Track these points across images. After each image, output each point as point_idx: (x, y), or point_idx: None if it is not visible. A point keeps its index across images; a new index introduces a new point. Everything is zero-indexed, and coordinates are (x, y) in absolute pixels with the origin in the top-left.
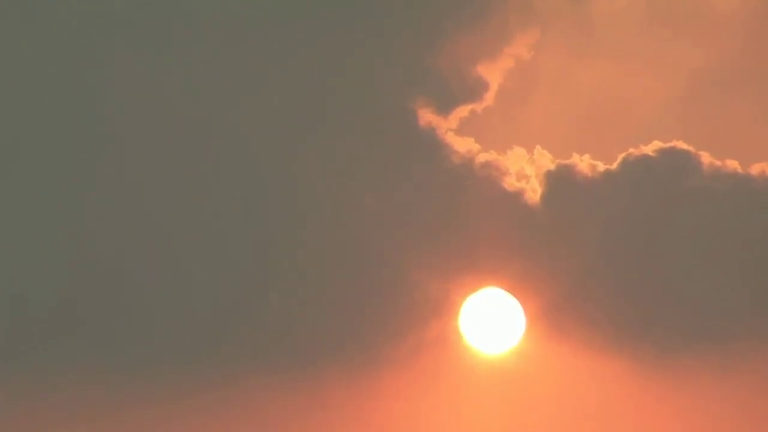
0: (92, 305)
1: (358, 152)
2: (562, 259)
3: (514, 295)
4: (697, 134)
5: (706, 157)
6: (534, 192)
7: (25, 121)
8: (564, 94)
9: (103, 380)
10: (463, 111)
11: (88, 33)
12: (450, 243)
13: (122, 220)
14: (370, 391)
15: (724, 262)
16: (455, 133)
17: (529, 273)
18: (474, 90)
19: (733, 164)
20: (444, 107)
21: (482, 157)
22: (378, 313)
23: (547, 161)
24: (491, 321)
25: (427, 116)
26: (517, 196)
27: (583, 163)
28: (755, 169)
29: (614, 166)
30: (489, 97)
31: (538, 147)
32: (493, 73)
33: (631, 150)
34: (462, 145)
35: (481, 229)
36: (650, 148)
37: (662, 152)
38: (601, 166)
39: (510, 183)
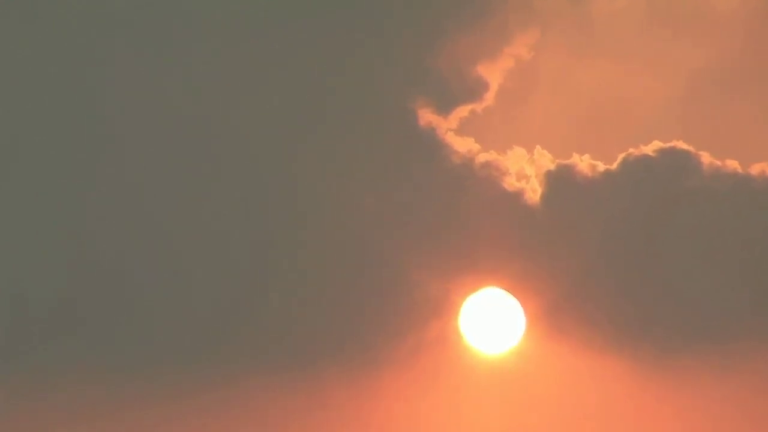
0: (92, 305)
1: (358, 152)
2: (562, 259)
3: (514, 295)
4: (697, 134)
5: (706, 157)
6: (534, 192)
7: (25, 121)
8: (564, 94)
9: (103, 380)
10: (463, 111)
11: (88, 33)
12: (450, 243)
13: (122, 220)
14: (370, 391)
15: (725, 262)
16: (455, 133)
17: (529, 273)
18: (474, 90)
19: (733, 164)
20: (444, 107)
21: (482, 157)
22: (378, 313)
23: (547, 161)
24: (491, 321)
25: (427, 116)
26: (517, 196)
27: (583, 163)
28: (755, 169)
29: (614, 166)
30: (489, 97)
31: (538, 147)
32: (493, 73)
33: (631, 150)
34: (462, 145)
35: (481, 229)
36: (650, 148)
37: (662, 152)
38: (601, 166)
39: (510, 183)
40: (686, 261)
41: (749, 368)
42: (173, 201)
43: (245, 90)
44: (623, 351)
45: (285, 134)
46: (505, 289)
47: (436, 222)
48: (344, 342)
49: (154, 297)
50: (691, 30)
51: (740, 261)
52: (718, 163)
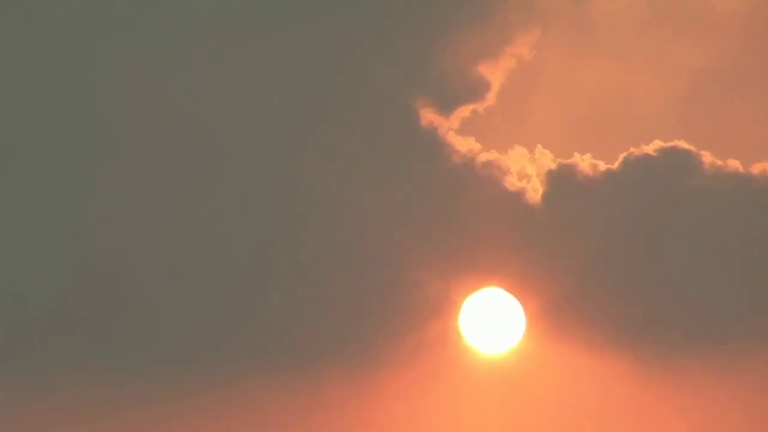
0: (92, 305)
1: (359, 152)
2: (563, 259)
3: (515, 295)
4: (698, 134)
5: (707, 157)
6: (535, 191)
7: (25, 121)
8: (565, 93)
9: (103, 380)
10: (464, 111)
11: (88, 33)
12: (451, 242)
13: (122, 221)
14: (370, 391)
15: (725, 262)
16: (456, 133)
17: (529, 273)
18: (475, 90)
19: (734, 164)
20: (446, 107)
21: (483, 157)
22: (378, 313)
23: (548, 161)
24: (491, 321)
25: (428, 116)
26: (518, 195)
27: (584, 163)
28: (756, 169)
29: (615, 165)
30: (490, 97)
31: (539, 146)
32: (495, 73)
33: (632, 149)
34: (463, 144)
35: (482, 229)
36: (651, 148)
37: (663, 152)
38: (603, 166)
39: (511, 182)
40: (687, 261)
41: (750, 368)
42: (173, 201)
43: (245, 90)
44: (623, 351)
45: (285, 134)
46: (506, 289)
47: (436, 221)
48: (344, 342)
49: (154, 297)
50: (692, 30)
51: (741, 261)
52: (720, 162)
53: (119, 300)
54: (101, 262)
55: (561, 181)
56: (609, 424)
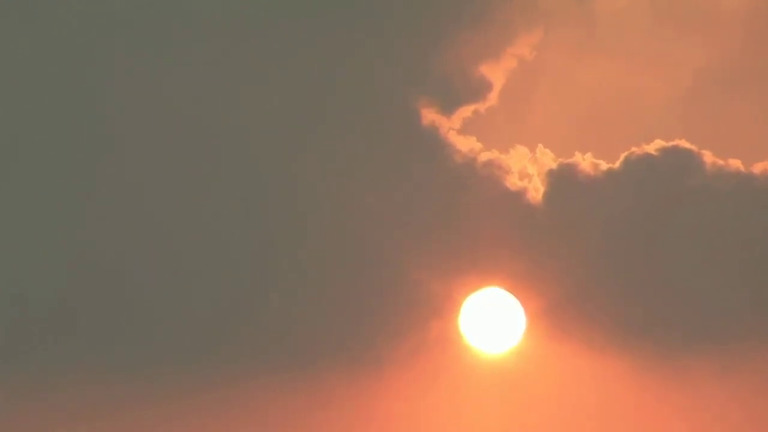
0: (92, 305)
1: (360, 152)
2: (563, 259)
3: (515, 295)
4: (699, 133)
5: (708, 156)
6: (536, 191)
7: (25, 121)
8: (566, 93)
9: (103, 380)
10: (466, 111)
11: (88, 33)
12: (451, 242)
13: (122, 221)
14: (371, 390)
15: (726, 262)
16: (457, 132)
17: (529, 272)
18: (477, 90)
19: (735, 163)
20: (447, 107)
21: (484, 156)
22: (378, 312)
23: (549, 160)
24: (492, 321)
25: (430, 116)
26: (519, 195)
27: (586, 162)
28: (758, 168)
29: (616, 165)
30: (492, 97)
31: (540, 146)
32: (496, 73)
33: (633, 149)
34: (464, 144)
35: (482, 229)
36: (652, 147)
37: (664, 151)
38: (604, 165)
39: (512, 182)
40: (688, 260)
41: (750, 368)
42: (173, 201)
43: (245, 90)
44: (624, 351)
45: (285, 134)
46: (506, 289)
47: (437, 221)
48: (344, 342)
49: (154, 297)
50: (694, 29)
51: (742, 260)
52: (721, 162)
53: (119, 300)
54: (101, 262)
55: (562, 180)
56: (609, 424)
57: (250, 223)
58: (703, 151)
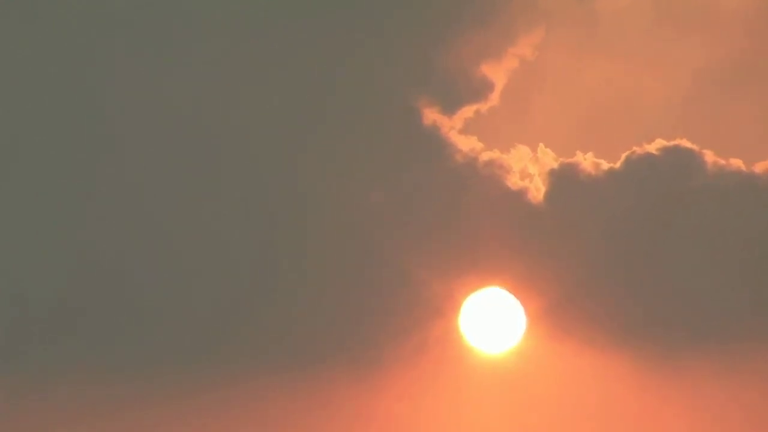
0: (92, 305)
1: (361, 152)
2: (564, 259)
3: (515, 295)
4: (700, 133)
5: (709, 156)
6: (537, 190)
7: (25, 121)
8: (568, 93)
9: (103, 380)
10: (467, 111)
11: (88, 33)
12: (452, 242)
13: (122, 221)
14: (372, 390)
15: (728, 261)
16: (459, 132)
17: (530, 272)
18: (478, 90)
19: (736, 163)
20: (449, 107)
21: (486, 156)
22: (379, 312)
23: (550, 160)
24: (492, 321)
25: (431, 116)
26: (520, 194)
27: (587, 162)
28: (759, 168)
29: (618, 164)
30: (493, 97)
31: (541, 145)
32: (498, 73)
33: (634, 148)
34: (466, 143)
35: (483, 228)
36: (654, 147)
37: (666, 151)
38: (605, 165)
39: (513, 181)
40: (689, 260)
41: (751, 368)
42: (173, 201)
43: (245, 90)
44: (625, 351)
45: (286, 134)
46: (506, 289)
47: (439, 221)
48: (346, 342)
49: (154, 297)
50: (695, 29)
51: (744, 260)
52: (722, 161)
53: (119, 300)
54: (101, 262)
55: (563, 180)
56: (609, 424)
57: (250, 223)
58: (705, 151)
